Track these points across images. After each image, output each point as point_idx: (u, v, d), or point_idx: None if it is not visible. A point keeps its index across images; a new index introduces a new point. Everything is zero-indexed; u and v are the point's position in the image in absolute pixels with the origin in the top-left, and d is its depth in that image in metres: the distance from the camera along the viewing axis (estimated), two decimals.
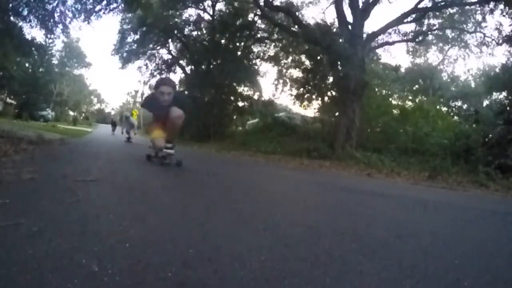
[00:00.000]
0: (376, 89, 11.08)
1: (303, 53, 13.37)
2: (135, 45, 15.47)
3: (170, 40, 16.81)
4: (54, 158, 3.30)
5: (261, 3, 11.04)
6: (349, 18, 9.23)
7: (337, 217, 1.74)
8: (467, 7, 10.09)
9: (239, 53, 15.23)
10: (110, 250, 0.95)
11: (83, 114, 49.23)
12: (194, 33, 16.44)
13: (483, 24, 10.65)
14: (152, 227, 1.23)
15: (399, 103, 13.73)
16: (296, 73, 14.62)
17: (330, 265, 1.00)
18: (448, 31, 12.05)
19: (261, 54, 16.11)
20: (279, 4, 12.10)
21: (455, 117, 14.05)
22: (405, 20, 9.79)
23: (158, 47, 17.19)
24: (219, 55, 14.47)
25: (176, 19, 15.19)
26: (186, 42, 16.03)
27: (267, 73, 19.41)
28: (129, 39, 15.47)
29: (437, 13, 10.65)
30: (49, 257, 0.86)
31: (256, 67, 16.31)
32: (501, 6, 8.69)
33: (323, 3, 16.73)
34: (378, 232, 1.46)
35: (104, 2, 8.14)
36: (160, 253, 0.96)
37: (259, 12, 12.39)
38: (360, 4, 9.23)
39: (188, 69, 17.22)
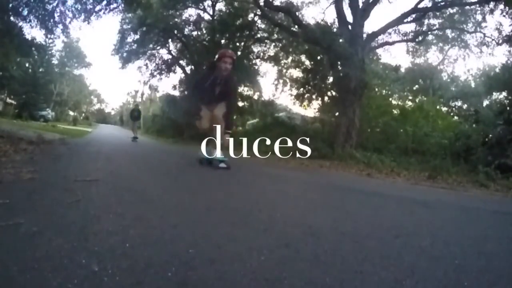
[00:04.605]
0: (376, 89, 11.06)
1: (303, 53, 13.37)
2: (135, 45, 15.44)
3: (170, 40, 16.77)
4: (54, 158, 3.30)
5: (261, 3, 11.02)
6: (349, 18, 9.24)
7: (337, 217, 1.74)
8: (467, 7, 10.09)
9: (239, 53, 15.21)
10: (110, 250, 0.95)
11: (83, 114, 49.31)
12: (194, 33, 16.42)
13: (483, 24, 10.64)
14: (152, 227, 1.23)
15: (399, 103, 13.72)
16: (296, 73, 14.63)
17: (330, 265, 1.00)
18: (448, 31, 12.03)
19: (261, 54, 16.08)
20: (279, 4, 12.08)
21: (455, 117, 14.04)
22: (405, 20, 9.78)
23: (158, 47, 17.16)
24: None
25: (176, 19, 15.16)
26: (186, 42, 16.01)
27: (267, 73, 19.36)
28: (129, 39, 15.44)
29: (437, 13, 10.64)
30: (49, 257, 0.86)
31: (256, 67, 16.29)
32: (501, 6, 8.69)
33: (323, 3, 16.68)
34: (378, 232, 1.46)
35: (104, 2, 8.16)
36: (160, 253, 0.96)
37: (259, 12, 12.36)
38: (360, 4, 9.23)
39: (188, 69, 17.20)
